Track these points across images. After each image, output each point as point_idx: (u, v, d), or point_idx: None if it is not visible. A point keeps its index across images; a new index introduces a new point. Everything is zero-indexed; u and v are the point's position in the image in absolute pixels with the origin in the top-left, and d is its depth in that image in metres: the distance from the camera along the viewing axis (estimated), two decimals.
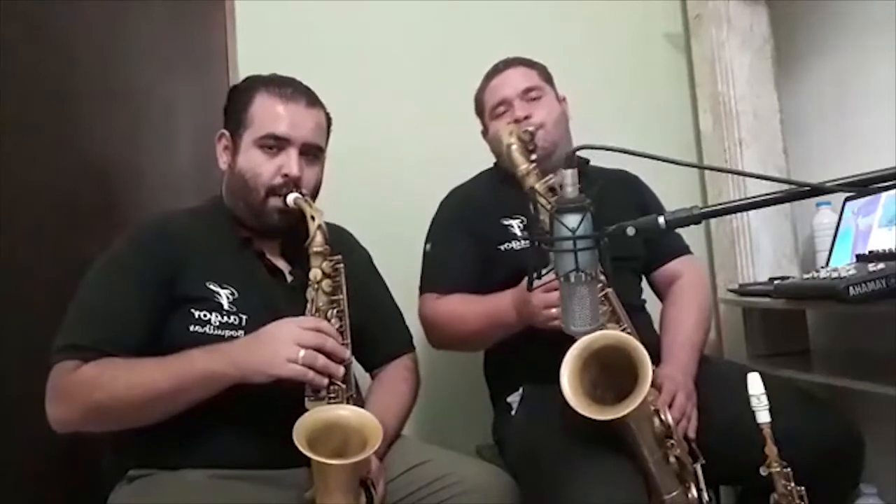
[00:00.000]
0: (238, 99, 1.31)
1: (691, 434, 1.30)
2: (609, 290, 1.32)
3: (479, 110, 1.66)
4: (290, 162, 1.26)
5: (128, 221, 1.65)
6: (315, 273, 1.20)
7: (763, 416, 1.07)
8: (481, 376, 1.66)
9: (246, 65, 1.86)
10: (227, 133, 1.32)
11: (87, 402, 1.13)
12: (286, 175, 1.25)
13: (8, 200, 1.69)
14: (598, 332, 1.22)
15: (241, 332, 1.21)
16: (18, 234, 1.69)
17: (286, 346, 1.11)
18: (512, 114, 1.54)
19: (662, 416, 1.26)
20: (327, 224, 1.32)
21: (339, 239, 1.42)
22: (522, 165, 1.39)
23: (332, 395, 1.15)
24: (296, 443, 1.04)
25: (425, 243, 1.61)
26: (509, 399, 1.50)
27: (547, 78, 1.63)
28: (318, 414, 1.12)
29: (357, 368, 1.40)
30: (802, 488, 1.10)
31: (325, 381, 1.13)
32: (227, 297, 1.22)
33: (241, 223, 1.31)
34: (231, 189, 1.32)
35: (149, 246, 1.24)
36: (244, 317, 1.22)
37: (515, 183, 1.41)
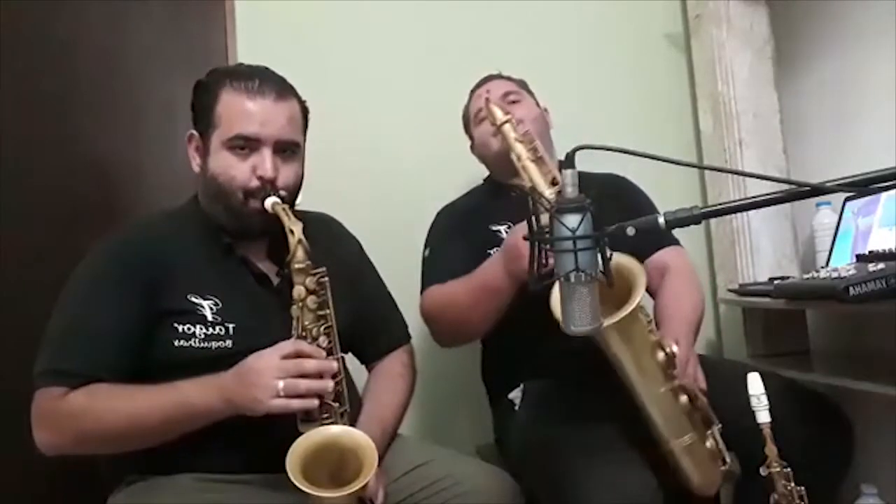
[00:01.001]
0: (204, 96, 1.23)
1: (702, 384, 1.26)
2: None
3: (466, 124, 1.72)
4: (264, 163, 1.19)
5: (128, 221, 1.65)
6: (299, 291, 1.15)
7: (763, 416, 1.07)
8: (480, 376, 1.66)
9: None
10: (196, 134, 1.25)
11: (77, 431, 1.12)
12: (261, 177, 1.19)
13: (8, 200, 1.69)
14: None
15: (228, 342, 1.18)
16: (18, 235, 1.69)
17: (267, 380, 1.08)
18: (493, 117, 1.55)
19: (667, 348, 1.19)
20: (315, 214, 1.30)
21: (328, 230, 1.40)
22: (502, 116, 1.40)
23: (325, 415, 1.13)
24: (289, 474, 1.02)
25: (423, 250, 1.62)
26: (511, 396, 1.49)
27: (527, 90, 1.69)
28: (310, 438, 1.10)
29: (353, 362, 1.40)
30: (802, 488, 1.10)
31: (315, 403, 1.11)
32: (210, 308, 1.18)
33: (222, 228, 1.25)
34: (208, 193, 1.25)
35: (127, 260, 1.20)
36: (230, 326, 1.18)
37: (506, 192, 1.40)
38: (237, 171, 1.20)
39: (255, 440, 1.15)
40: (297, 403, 1.09)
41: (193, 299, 1.18)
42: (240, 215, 1.22)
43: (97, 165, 1.80)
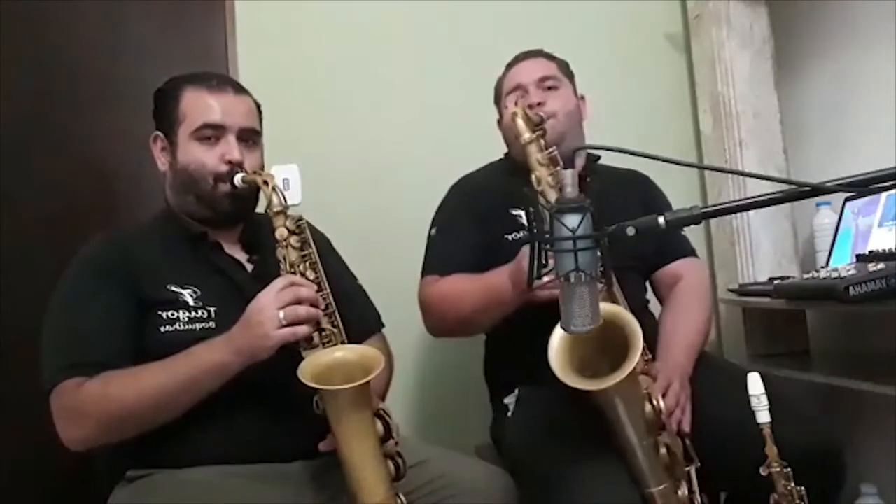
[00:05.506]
0: (166, 99, 1.32)
1: (685, 427, 1.27)
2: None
3: (497, 98, 1.65)
4: (231, 148, 1.27)
5: (128, 221, 1.65)
6: (281, 232, 1.20)
7: (763, 417, 1.07)
8: (481, 376, 1.66)
9: (246, 65, 1.86)
10: (161, 134, 1.32)
11: (100, 416, 1.12)
12: (230, 161, 1.26)
13: (7, 201, 1.69)
14: None
15: (212, 324, 1.21)
16: (18, 235, 1.69)
17: (268, 314, 1.12)
18: (526, 99, 1.53)
19: (654, 402, 1.21)
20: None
21: None
22: (525, 134, 1.37)
23: (327, 341, 1.17)
24: (301, 379, 1.06)
25: (430, 228, 1.60)
26: (506, 400, 1.49)
27: (567, 73, 1.63)
28: (316, 359, 1.13)
29: None
30: (802, 488, 1.10)
31: (314, 331, 1.15)
32: (191, 296, 1.23)
33: (193, 219, 1.31)
34: (177, 187, 1.31)
35: (102, 261, 1.25)
36: (212, 309, 1.22)
37: (525, 173, 1.38)
38: (207, 158, 1.27)
39: (261, 424, 1.17)
40: (302, 331, 1.13)
41: (173, 289, 1.23)
42: (210, 201, 1.28)
43: (97, 165, 1.80)
